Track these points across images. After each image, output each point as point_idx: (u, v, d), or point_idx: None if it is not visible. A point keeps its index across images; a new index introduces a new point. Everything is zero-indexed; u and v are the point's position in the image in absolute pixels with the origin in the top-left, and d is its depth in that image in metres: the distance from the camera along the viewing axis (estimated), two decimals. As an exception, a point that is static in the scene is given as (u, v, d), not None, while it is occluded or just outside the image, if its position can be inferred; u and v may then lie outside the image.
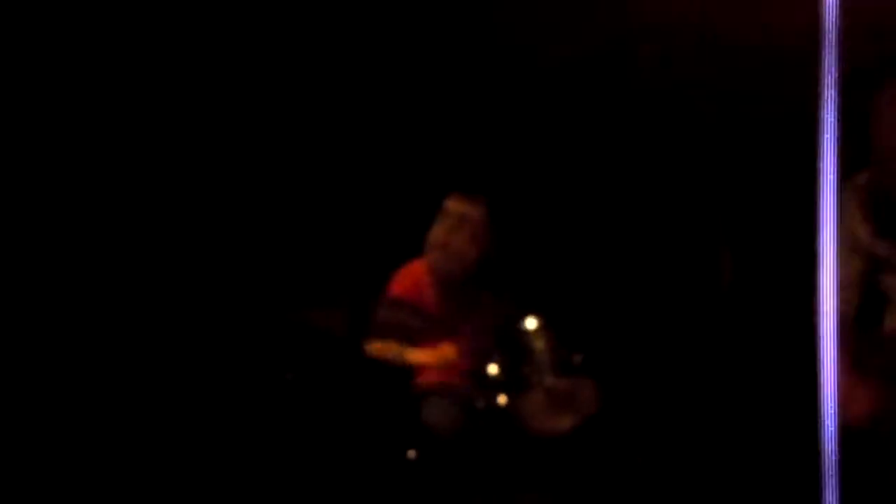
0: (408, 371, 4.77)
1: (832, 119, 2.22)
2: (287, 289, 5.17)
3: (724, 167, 5.03)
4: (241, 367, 5.30)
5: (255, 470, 5.18)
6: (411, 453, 4.70)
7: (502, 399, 4.70)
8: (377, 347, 4.77)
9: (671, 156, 5.15)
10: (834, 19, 2.23)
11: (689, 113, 4.99)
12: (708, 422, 5.00)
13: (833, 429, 2.15)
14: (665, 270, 5.16)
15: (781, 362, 4.81)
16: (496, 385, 4.70)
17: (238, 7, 5.18)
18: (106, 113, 5.26)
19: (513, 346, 4.75)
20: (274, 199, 5.35)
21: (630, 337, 4.99)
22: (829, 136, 2.22)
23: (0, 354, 5.05)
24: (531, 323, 4.74)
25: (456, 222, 4.79)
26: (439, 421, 4.71)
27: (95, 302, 5.27)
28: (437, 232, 4.81)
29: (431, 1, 4.98)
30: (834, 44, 2.24)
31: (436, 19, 5.05)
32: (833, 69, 2.24)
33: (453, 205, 4.81)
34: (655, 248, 5.15)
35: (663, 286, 5.11)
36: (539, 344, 4.74)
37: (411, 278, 4.84)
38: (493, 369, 4.73)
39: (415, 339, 4.77)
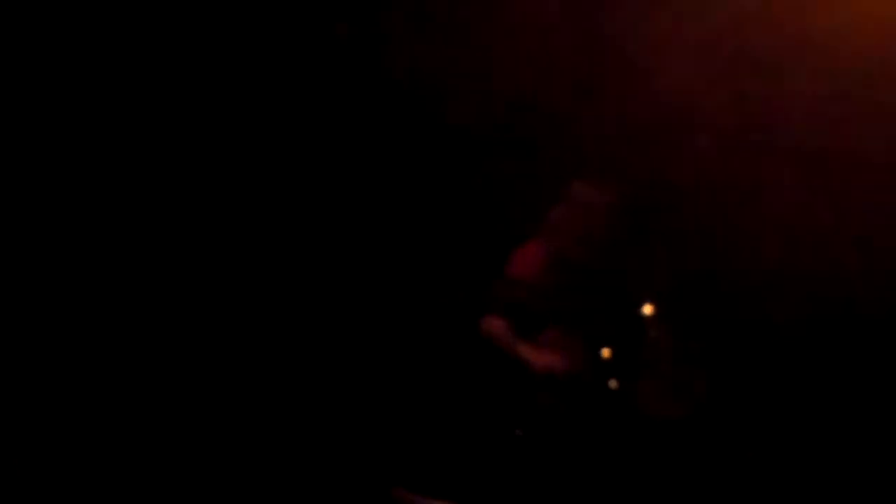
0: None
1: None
2: (409, 267, 5.15)
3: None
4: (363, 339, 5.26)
5: (361, 440, 5.16)
6: (518, 432, 4.71)
7: (614, 383, 4.72)
8: (493, 326, 4.75)
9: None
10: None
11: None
12: (822, 421, 5.05)
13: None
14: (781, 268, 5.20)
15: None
16: (609, 369, 4.73)
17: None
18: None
19: (628, 332, 4.77)
20: (395, 175, 5.31)
21: (748, 329, 5.03)
22: None
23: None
24: (648, 309, 4.77)
25: (580, 208, 4.77)
26: (551, 401, 4.72)
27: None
28: (561, 216, 4.79)
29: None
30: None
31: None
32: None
33: (580, 190, 4.79)
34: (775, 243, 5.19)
35: (780, 282, 5.16)
36: (655, 331, 4.77)
37: (531, 259, 4.80)
38: (606, 353, 4.75)
39: (531, 319, 4.76)
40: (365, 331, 5.27)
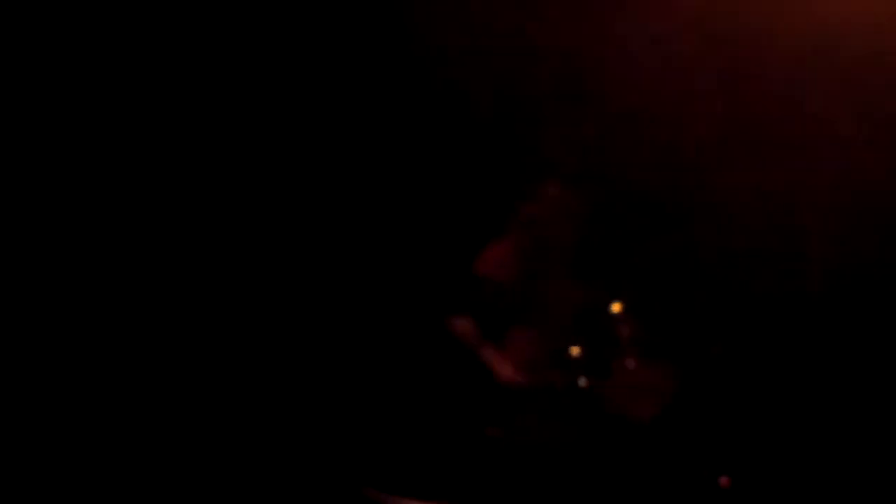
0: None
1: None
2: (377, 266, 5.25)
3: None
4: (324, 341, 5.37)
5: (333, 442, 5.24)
6: (493, 431, 4.74)
7: (583, 382, 4.73)
8: (458, 327, 4.82)
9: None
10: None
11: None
12: (788, 416, 4.95)
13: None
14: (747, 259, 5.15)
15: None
16: (578, 367, 4.75)
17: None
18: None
19: (597, 330, 4.80)
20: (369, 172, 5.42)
21: (715, 325, 4.99)
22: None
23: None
24: (617, 307, 4.79)
25: (551, 206, 4.86)
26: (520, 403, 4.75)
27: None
28: (531, 214, 4.89)
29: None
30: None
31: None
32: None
33: (549, 189, 4.89)
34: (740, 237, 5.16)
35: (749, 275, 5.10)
36: (623, 329, 4.78)
37: (499, 258, 4.88)
38: (575, 351, 4.78)
39: (498, 318, 4.82)
40: (335, 331, 5.37)
